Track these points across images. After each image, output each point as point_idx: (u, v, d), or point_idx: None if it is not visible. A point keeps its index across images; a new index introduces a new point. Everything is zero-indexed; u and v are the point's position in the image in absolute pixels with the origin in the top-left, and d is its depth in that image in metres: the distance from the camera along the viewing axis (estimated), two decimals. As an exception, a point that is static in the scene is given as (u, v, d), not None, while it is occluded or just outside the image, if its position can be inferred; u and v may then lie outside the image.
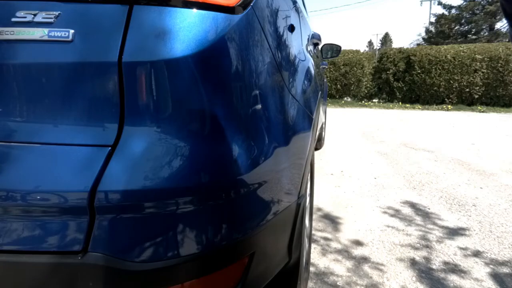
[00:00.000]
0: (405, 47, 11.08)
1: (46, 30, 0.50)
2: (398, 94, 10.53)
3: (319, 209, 2.17)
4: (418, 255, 1.60)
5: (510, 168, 3.18)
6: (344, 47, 7.89)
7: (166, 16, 0.52)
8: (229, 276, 0.59)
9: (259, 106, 0.62)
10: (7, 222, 0.49)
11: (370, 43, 55.83)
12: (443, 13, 19.87)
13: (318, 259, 1.56)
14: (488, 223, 1.96)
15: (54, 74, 0.51)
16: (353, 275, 1.43)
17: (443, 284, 1.37)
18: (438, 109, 9.55)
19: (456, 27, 19.53)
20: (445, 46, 10.32)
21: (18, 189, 0.49)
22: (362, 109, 9.55)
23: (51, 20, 0.50)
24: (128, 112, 0.51)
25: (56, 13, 0.50)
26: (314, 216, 2.03)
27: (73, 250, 0.48)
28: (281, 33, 0.78)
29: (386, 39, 51.44)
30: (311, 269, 1.47)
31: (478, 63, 9.55)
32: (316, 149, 3.83)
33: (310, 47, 1.51)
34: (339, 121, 6.73)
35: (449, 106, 9.69)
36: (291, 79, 0.82)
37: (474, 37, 18.54)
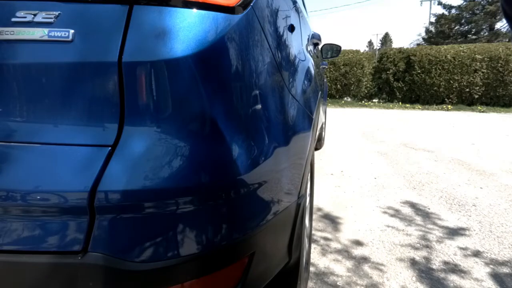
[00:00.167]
0: (405, 47, 11.08)
1: (46, 30, 0.50)
2: (398, 94, 10.53)
3: (319, 209, 2.17)
4: (418, 255, 1.60)
5: (510, 168, 3.18)
6: (344, 47, 7.89)
7: (166, 16, 0.52)
8: (229, 276, 0.59)
9: (259, 106, 0.62)
10: (7, 222, 0.49)
11: (370, 43, 55.84)
12: (443, 13, 19.87)
13: (318, 259, 1.56)
14: (488, 223, 1.96)
15: (54, 74, 0.51)
16: (353, 275, 1.43)
17: (443, 284, 1.37)
18: (438, 109, 9.55)
19: (456, 27, 19.53)
20: (445, 46, 10.32)
21: (18, 189, 0.49)
22: (362, 109, 9.55)
23: (51, 20, 0.50)
24: (128, 112, 0.51)
25: (56, 13, 0.50)
26: (314, 216, 2.03)
27: (73, 250, 0.48)
28: (281, 33, 0.78)
29: (386, 39, 51.44)
30: (311, 269, 1.47)
31: (478, 63, 9.55)
32: (316, 149, 3.83)
33: (310, 47, 1.51)
34: (339, 121, 6.73)
35: (449, 106, 9.69)
36: (291, 79, 0.82)
37: (474, 37, 18.54)
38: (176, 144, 0.52)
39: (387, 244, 1.71)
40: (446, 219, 2.02)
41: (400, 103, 10.38)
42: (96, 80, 0.51)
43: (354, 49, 11.36)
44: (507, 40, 16.03)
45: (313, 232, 1.83)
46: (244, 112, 0.58)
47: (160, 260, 0.51)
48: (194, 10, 0.53)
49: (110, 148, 0.50)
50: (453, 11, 19.45)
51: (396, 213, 2.11)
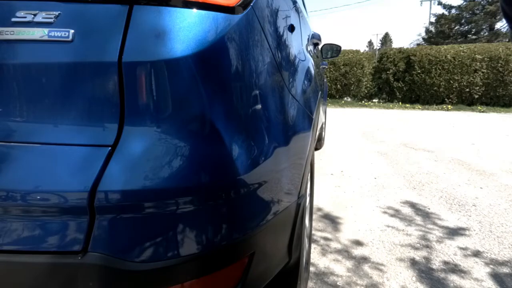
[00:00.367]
0: (405, 47, 11.08)
1: (46, 30, 0.50)
2: (398, 94, 10.53)
3: (319, 209, 2.17)
4: (418, 255, 1.60)
5: (510, 168, 3.18)
6: (344, 47, 7.89)
7: (166, 16, 0.52)
8: (229, 276, 0.59)
9: (259, 106, 0.62)
10: (7, 222, 0.49)
11: (370, 43, 55.84)
12: (443, 13, 19.87)
13: (318, 259, 1.56)
14: (488, 223, 1.96)
15: (54, 74, 0.51)
16: (353, 275, 1.43)
17: (443, 284, 1.37)
18: (438, 109, 9.55)
19: (456, 27, 19.53)
20: (445, 46, 10.32)
21: (18, 189, 0.49)
22: (362, 109, 9.55)
23: (51, 20, 0.50)
24: (128, 112, 0.51)
25: (56, 13, 0.50)
26: (314, 216, 2.03)
27: (73, 250, 0.48)
28: (281, 33, 0.78)
29: (386, 39, 51.43)
30: (311, 269, 1.47)
31: (478, 63, 9.55)
32: (316, 149, 3.83)
33: (310, 47, 1.51)
34: (339, 121, 6.73)
35: (449, 106, 9.69)
36: (291, 79, 0.82)
37: (474, 37, 18.54)
38: (176, 144, 0.52)
39: (387, 244, 1.71)
40: (446, 219, 2.02)
41: (400, 103, 10.37)
42: (96, 80, 0.51)
43: (354, 49, 11.36)
44: (507, 40, 16.03)
45: (313, 232, 1.83)
46: (244, 112, 0.58)
47: (160, 260, 0.51)
48: (194, 10, 0.53)
49: (110, 148, 0.50)
50: (453, 11, 19.45)
51: (396, 213, 2.11)
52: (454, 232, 1.85)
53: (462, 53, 9.70)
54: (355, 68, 10.78)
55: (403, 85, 10.40)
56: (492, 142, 4.57)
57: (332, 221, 1.99)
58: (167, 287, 0.53)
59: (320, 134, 3.57)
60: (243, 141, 0.57)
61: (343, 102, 10.69)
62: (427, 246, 1.69)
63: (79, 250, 0.48)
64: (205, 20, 0.54)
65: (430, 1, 24.99)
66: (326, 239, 1.76)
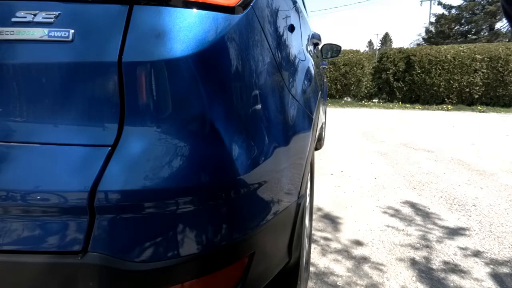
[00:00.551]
0: (405, 47, 11.07)
1: (46, 30, 0.50)
2: (398, 94, 10.53)
3: (319, 209, 2.17)
4: (418, 255, 1.60)
5: (510, 168, 3.18)
6: (344, 47, 7.89)
7: (166, 16, 0.52)
8: (229, 276, 0.59)
9: (259, 106, 0.62)
10: (7, 222, 0.49)
11: (370, 43, 55.84)
12: (443, 13, 19.87)
13: (318, 259, 1.56)
14: (488, 223, 1.96)
15: (54, 74, 0.51)
16: (353, 275, 1.43)
17: (443, 284, 1.37)
18: (438, 109, 9.55)
19: (456, 27, 19.53)
20: (445, 46, 10.32)
21: (18, 189, 0.49)
22: (362, 109, 9.55)
23: (51, 20, 0.50)
24: (128, 112, 0.51)
25: (56, 13, 0.50)
26: (314, 216, 2.03)
27: (73, 250, 0.48)
28: (281, 33, 0.78)
29: (386, 39, 51.43)
30: (311, 269, 1.47)
31: (478, 63, 9.55)
32: (316, 149, 3.83)
33: (310, 47, 1.51)
34: (339, 121, 6.73)
35: (449, 106, 9.69)
36: (291, 79, 0.82)
37: (474, 37, 18.54)
38: (176, 144, 0.52)
39: (387, 244, 1.71)
40: (446, 219, 2.02)
41: (400, 103, 10.37)
42: (96, 80, 0.51)
43: (354, 49, 11.36)
44: (507, 40, 16.03)
45: (313, 232, 1.83)
46: (244, 112, 0.58)
47: (160, 260, 0.51)
48: (194, 10, 0.53)
49: (110, 148, 0.50)
50: (453, 11, 19.45)
51: (396, 213, 2.11)
52: (454, 232, 1.85)
53: (462, 53, 9.70)
54: (355, 68, 10.78)
55: (403, 85, 10.40)
56: (492, 142, 4.57)
57: (332, 221, 1.99)
58: (167, 287, 0.53)
59: (320, 134, 3.57)
60: (243, 141, 0.57)
61: (343, 102, 10.69)
62: (427, 246, 1.69)
63: (79, 250, 0.48)
64: (205, 20, 0.54)
65: (430, 1, 24.99)
66: (326, 239, 1.76)
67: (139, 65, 0.50)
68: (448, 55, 9.75)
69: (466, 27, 19.12)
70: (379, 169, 3.15)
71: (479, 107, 9.39)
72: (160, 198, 0.50)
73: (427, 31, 21.48)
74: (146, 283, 0.51)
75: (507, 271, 1.47)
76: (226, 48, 0.55)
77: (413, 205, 2.25)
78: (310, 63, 1.27)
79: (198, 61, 0.52)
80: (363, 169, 3.14)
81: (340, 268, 1.48)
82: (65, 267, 0.48)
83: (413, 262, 1.54)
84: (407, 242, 1.73)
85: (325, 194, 2.46)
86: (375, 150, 4.01)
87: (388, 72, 10.51)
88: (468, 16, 18.76)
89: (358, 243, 1.72)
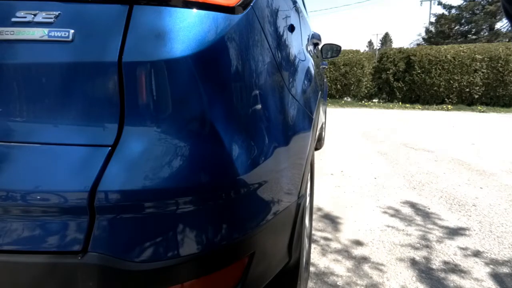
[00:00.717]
0: (405, 47, 11.08)
1: (46, 30, 0.50)
2: (398, 94, 10.53)
3: (319, 209, 2.17)
4: (418, 255, 1.60)
5: (510, 168, 3.18)
6: (344, 47, 7.89)
7: (166, 16, 0.52)
8: (229, 276, 0.59)
9: (259, 106, 0.62)
10: (7, 222, 0.49)
11: (370, 43, 55.84)
12: (443, 13, 19.86)
13: (318, 259, 1.56)
14: (488, 223, 1.96)
15: (54, 74, 0.51)
16: (353, 275, 1.43)
17: (443, 284, 1.37)
18: (438, 109, 9.55)
19: (456, 27, 19.53)
20: (445, 46, 10.32)
21: (18, 189, 0.49)
22: (362, 109, 9.55)
23: (51, 20, 0.50)
24: (128, 112, 0.51)
25: (56, 13, 0.50)
26: (314, 216, 2.03)
27: (73, 250, 0.48)
28: (281, 33, 0.78)
29: (386, 39, 51.44)
30: (311, 269, 1.47)
31: (478, 63, 9.55)
32: (316, 149, 3.83)
33: (310, 47, 1.51)
34: (339, 121, 6.73)
35: (449, 106, 9.69)
36: (291, 79, 0.82)
37: (474, 37, 18.53)
38: (176, 144, 0.52)
39: (387, 244, 1.71)
40: (446, 219, 2.02)
41: (400, 103, 10.38)
42: (96, 80, 0.51)
43: (354, 49, 11.37)
44: (507, 40, 16.03)
45: (313, 232, 1.83)
46: (244, 112, 0.58)
47: (160, 260, 0.51)
48: (194, 10, 0.53)
49: (110, 148, 0.50)
50: (453, 11, 19.44)
51: (396, 213, 2.11)
52: (454, 232, 1.85)
53: (462, 53, 9.71)
54: (355, 68, 10.78)
55: (403, 85, 10.40)
56: (492, 142, 4.57)
57: (332, 221, 1.99)
58: (167, 287, 0.53)
59: (320, 134, 3.57)
60: (243, 141, 0.57)
61: (343, 102, 10.69)
62: (427, 246, 1.69)
63: (79, 250, 0.48)
64: (205, 20, 0.54)
65: (430, 1, 24.98)
66: (326, 239, 1.76)
67: (139, 65, 0.50)
68: (448, 55, 9.76)
69: (466, 27, 19.11)
70: (379, 169, 3.15)
71: (479, 107, 9.39)
72: (160, 198, 0.50)
73: (427, 31, 21.47)
74: (146, 283, 0.51)
75: (507, 271, 1.47)
76: (226, 48, 0.55)
77: (413, 205, 2.25)
78: (310, 63, 1.27)
79: (198, 61, 0.52)
80: (363, 169, 3.14)
81: (340, 268, 1.48)
82: (65, 267, 0.48)
83: (413, 262, 1.54)
84: (407, 242, 1.73)
85: (325, 194, 2.46)
86: (375, 150, 4.01)
87: (388, 72, 10.51)
88: (468, 16, 18.75)
89: (358, 243, 1.72)
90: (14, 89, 0.52)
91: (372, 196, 2.43)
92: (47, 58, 0.51)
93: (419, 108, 9.78)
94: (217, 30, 0.54)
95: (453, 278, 1.42)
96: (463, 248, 1.67)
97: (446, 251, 1.64)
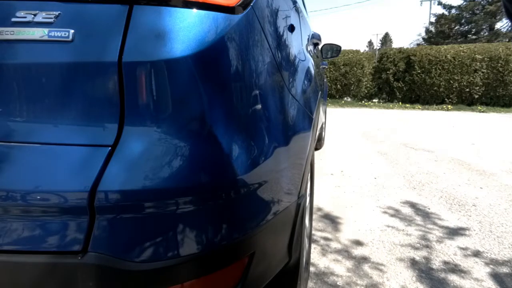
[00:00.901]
0: (405, 47, 11.08)
1: (46, 30, 0.50)
2: (398, 94, 10.53)
3: (319, 209, 2.17)
4: (418, 255, 1.60)
5: (510, 168, 3.18)
6: (344, 47, 7.89)
7: (166, 16, 0.52)
8: (229, 276, 0.59)
9: (259, 106, 0.62)
10: (7, 222, 0.49)
11: (370, 43, 55.85)
12: (443, 13, 19.86)
13: (318, 259, 1.56)
14: (488, 223, 1.96)
15: (54, 74, 0.51)
16: (353, 275, 1.43)
17: (443, 284, 1.37)
18: (438, 109, 9.55)
19: (456, 27, 19.52)
20: (445, 46, 10.32)
21: (18, 189, 0.49)
22: (362, 109, 9.55)
23: (51, 20, 0.50)
24: (128, 112, 0.51)
25: (56, 13, 0.50)
26: (314, 216, 2.03)
27: (73, 250, 0.48)
28: (281, 33, 0.78)
29: (386, 39, 51.44)
30: (311, 269, 1.47)
31: (478, 63, 9.55)
32: (316, 149, 3.83)
33: (310, 47, 1.51)
34: (339, 121, 6.73)
35: (449, 106, 9.69)
36: (291, 79, 0.82)
37: (474, 37, 18.53)
38: (176, 144, 0.52)
39: (387, 244, 1.71)
40: (446, 219, 2.02)
41: (400, 103, 10.38)
42: (96, 80, 0.51)
43: (354, 49, 11.36)
44: (507, 40, 16.03)
45: (313, 232, 1.83)
46: (244, 112, 0.58)
47: (160, 260, 0.51)
48: (194, 10, 0.53)
49: (110, 148, 0.50)
50: (453, 11, 19.43)
51: (396, 213, 2.11)
52: (454, 232, 1.85)
53: (462, 53, 9.70)
54: (355, 68, 10.78)
55: (403, 85, 10.40)
56: (492, 142, 4.57)
57: (332, 221, 1.99)
58: (167, 287, 0.53)
59: (320, 134, 3.57)
60: (243, 141, 0.57)
61: (343, 102, 10.69)
62: (427, 246, 1.69)
63: (79, 250, 0.48)
64: (205, 20, 0.54)
65: (430, 1, 24.98)
66: (326, 239, 1.76)
67: (139, 65, 0.50)
68: (448, 55, 9.76)
69: (466, 27, 19.11)
70: (379, 169, 3.15)
71: (479, 107, 9.39)
72: (160, 198, 0.50)
73: (427, 31, 21.47)
74: (146, 283, 0.51)
75: (507, 271, 1.47)
76: (226, 48, 0.55)
77: (413, 205, 2.25)
78: (310, 63, 1.27)
79: (198, 61, 0.52)
80: (363, 169, 3.14)
81: (340, 268, 1.48)
82: (65, 267, 0.48)
83: (413, 262, 1.54)
84: (407, 242, 1.73)
85: (325, 194, 2.46)
86: (375, 150, 4.01)
87: (388, 72, 10.51)
88: (468, 16, 18.75)
89: (358, 243, 1.72)
90: (14, 89, 0.52)
91: (372, 196, 2.43)
92: (47, 58, 0.51)
93: (419, 108, 9.78)
94: (217, 30, 0.54)
95: (453, 278, 1.42)
96: (463, 248, 1.67)
97: (446, 251, 1.64)
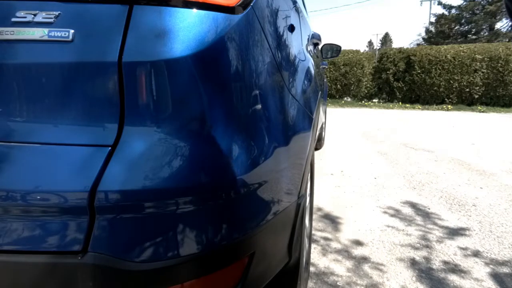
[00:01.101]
0: (405, 47, 11.08)
1: (46, 30, 0.50)
2: (398, 94, 10.53)
3: (319, 209, 2.17)
4: (418, 255, 1.60)
5: (510, 168, 3.18)
6: (344, 47, 7.89)
7: (166, 16, 0.52)
8: (229, 276, 0.59)
9: (259, 106, 0.62)
10: (7, 222, 0.49)
11: (370, 43, 55.85)
12: (443, 13, 19.86)
13: (318, 259, 1.56)
14: (488, 223, 1.96)
15: (54, 74, 0.51)
16: (353, 275, 1.43)
17: (443, 284, 1.37)
18: (438, 109, 9.55)
19: (456, 27, 19.52)
20: (445, 46, 10.32)
21: (18, 189, 0.49)
22: (362, 109, 9.55)
23: (51, 20, 0.50)
24: (128, 112, 0.51)
25: (56, 13, 0.50)
26: (314, 216, 2.03)
27: (73, 250, 0.48)
28: (281, 33, 0.78)
29: (386, 39, 51.45)
30: (311, 269, 1.47)
31: (478, 63, 9.55)
32: (316, 149, 3.83)
33: (310, 47, 1.51)
34: (339, 121, 6.73)
35: (449, 106, 9.69)
36: (291, 79, 0.82)
37: (474, 37, 18.52)
38: (176, 144, 0.52)
39: (387, 244, 1.71)
40: (446, 219, 2.02)
41: (400, 103, 10.38)
42: (96, 80, 0.51)
43: (354, 49, 11.36)
44: (507, 40, 16.03)
45: (313, 232, 1.83)
46: (244, 112, 0.58)
47: (160, 260, 0.51)
48: (194, 10, 0.53)
49: (110, 148, 0.50)
50: (453, 11, 19.43)
51: (396, 213, 2.11)
52: (454, 232, 1.85)
53: (462, 53, 9.70)
54: (355, 68, 10.78)
55: (403, 85, 10.40)
56: (492, 142, 4.57)
57: (332, 221, 1.99)
58: (167, 287, 0.53)
59: (320, 134, 3.57)
60: (243, 141, 0.57)
61: (343, 102, 10.69)
62: (427, 246, 1.69)
63: (79, 250, 0.48)
64: (205, 20, 0.54)
65: (430, 1, 24.97)
66: (326, 239, 1.76)
67: (139, 65, 0.50)
68: (448, 55, 9.76)
69: (466, 27, 19.10)
70: (379, 169, 3.15)
71: (479, 107, 9.39)
72: (160, 198, 0.50)
73: (427, 31, 21.46)
74: (146, 283, 0.51)
75: (507, 271, 1.47)
76: (226, 48, 0.55)
77: (413, 205, 2.25)
78: (310, 63, 1.27)
79: (198, 61, 0.52)
80: (363, 169, 3.14)
81: (340, 268, 1.48)
82: (65, 267, 0.48)
83: (413, 262, 1.54)
84: (407, 242, 1.73)
85: (325, 194, 2.46)
86: (375, 150, 4.01)
87: (388, 72, 10.51)
88: (468, 16, 18.74)
89: (358, 243, 1.72)
90: (14, 89, 0.52)
91: (372, 196, 2.43)
92: (47, 58, 0.51)
93: (419, 108, 9.78)
94: (217, 30, 0.54)
95: (453, 278, 1.42)
96: (463, 248, 1.67)
97: (446, 251, 1.64)
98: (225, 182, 0.54)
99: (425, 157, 3.61)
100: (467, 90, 9.73)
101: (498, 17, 17.58)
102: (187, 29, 0.52)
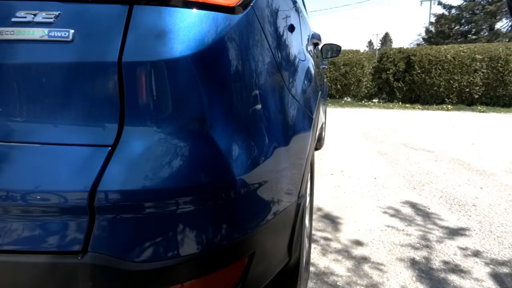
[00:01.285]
0: (405, 47, 11.08)
1: (46, 30, 0.50)
2: (398, 94, 10.53)
3: (319, 209, 2.17)
4: (418, 255, 1.60)
5: (510, 168, 3.18)
6: (344, 47, 7.89)
7: (166, 16, 0.52)
8: (229, 276, 0.59)
9: (259, 106, 0.62)
10: (7, 222, 0.49)
11: (370, 43, 55.85)
12: (443, 13, 19.85)
13: (318, 259, 1.56)
14: (488, 223, 1.96)
15: (54, 74, 0.51)
16: (353, 275, 1.43)
17: (443, 284, 1.37)
18: (438, 109, 9.55)
19: (456, 27, 19.52)
20: (445, 46, 10.32)
21: (18, 189, 0.49)
22: (362, 109, 9.55)
23: (51, 20, 0.50)
24: (128, 112, 0.51)
25: (56, 13, 0.50)
26: (314, 216, 2.03)
27: (73, 250, 0.48)
28: (281, 33, 0.78)
29: (386, 39, 51.45)
30: (311, 269, 1.47)
31: (478, 63, 9.55)
32: (316, 149, 3.83)
33: (310, 47, 1.51)
34: (339, 121, 6.73)
35: (449, 106, 9.69)
36: (291, 79, 0.82)
37: (474, 37, 18.52)
38: (176, 144, 0.52)
39: (387, 244, 1.71)
40: (446, 219, 2.02)
41: (400, 103, 10.38)
42: (96, 80, 0.51)
43: (354, 49, 11.36)
44: (507, 40, 16.03)
45: (313, 232, 1.83)
46: (244, 112, 0.58)
47: (160, 260, 0.51)
48: (194, 10, 0.53)
49: (110, 148, 0.50)
50: (453, 11, 19.43)
51: (396, 213, 2.11)
52: (454, 232, 1.85)
53: (462, 53, 9.70)
54: (355, 68, 10.78)
55: (403, 85, 10.40)
56: (492, 142, 4.57)
57: (332, 221, 1.99)
58: (167, 287, 0.53)
59: (320, 134, 3.57)
60: (243, 141, 0.57)
61: (343, 102, 10.69)
62: (427, 246, 1.69)
63: (79, 250, 0.48)
64: (205, 20, 0.54)
65: (430, 1, 24.97)
66: (326, 239, 1.76)
67: (139, 65, 0.50)
68: (448, 55, 9.76)
69: (466, 27, 19.10)
70: (379, 169, 3.15)
71: (479, 107, 9.39)
72: (160, 198, 0.50)
73: (427, 31, 21.46)
74: (146, 283, 0.51)
75: (507, 271, 1.48)
76: (226, 48, 0.55)
77: (413, 205, 2.25)
78: (310, 63, 1.27)
79: (198, 61, 0.52)
80: (363, 169, 3.14)
81: (340, 268, 1.48)
82: (65, 267, 0.48)
83: (413, 262, 1.54)
84: (407, 242, 1.73)
85: (325, 194, 2.46)
86: (375, 150, 4.01)
87: (388, 72, 10.51)
88: (468, 16, 18.74)
89: (358, 243, 1.72)
90: (14, 89, 0.52)
91: (372, 196, 2.43)
92: (47, 58, 0.51)
93: (419, 108, 9.78)
94: (217, 30, 0.54)
95: (453, 278, 1.42)
96: (463, 248, 1.67)
97: (446, 251, 1.64)
98: (225, 182, 0.54)
99: (425, 157, 3.61)
100: (467, 90, 9.73)
101: (498, 17, 17.58)
102: (187, 29, 0.52)
